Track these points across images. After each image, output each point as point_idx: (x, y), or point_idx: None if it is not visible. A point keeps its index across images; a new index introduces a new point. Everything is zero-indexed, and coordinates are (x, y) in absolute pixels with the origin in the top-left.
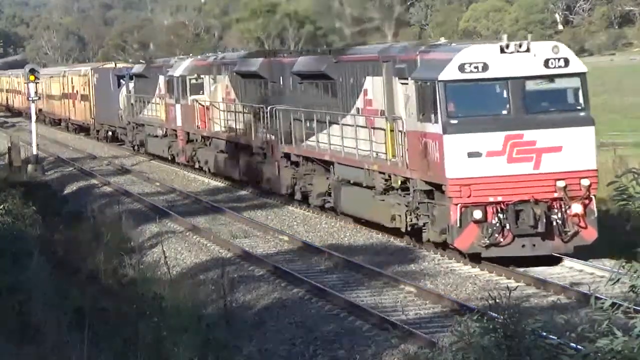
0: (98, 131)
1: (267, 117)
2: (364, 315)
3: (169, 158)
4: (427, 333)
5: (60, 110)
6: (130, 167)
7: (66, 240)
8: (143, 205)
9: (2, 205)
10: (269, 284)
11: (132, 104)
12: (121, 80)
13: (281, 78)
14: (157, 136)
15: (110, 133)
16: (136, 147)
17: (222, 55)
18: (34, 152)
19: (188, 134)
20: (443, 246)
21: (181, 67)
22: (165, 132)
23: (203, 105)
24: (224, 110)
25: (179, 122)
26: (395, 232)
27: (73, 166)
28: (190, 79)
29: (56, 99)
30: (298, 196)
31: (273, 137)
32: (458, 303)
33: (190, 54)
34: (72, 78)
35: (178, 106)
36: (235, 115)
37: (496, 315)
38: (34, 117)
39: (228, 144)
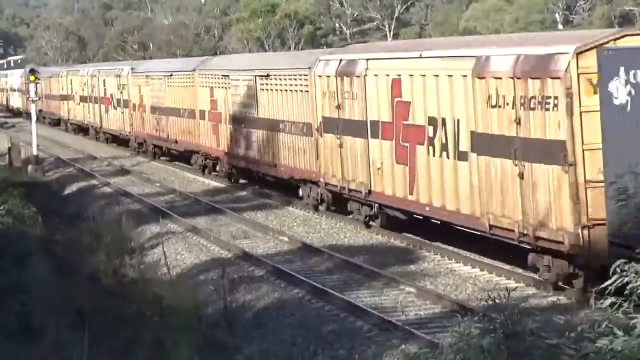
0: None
1: None
2: (364, 315)
3: None
4: (427, 333)
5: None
6: (130, 168)
7: (66, 240)
8: (143, 206)
9: (2, 206)
10: (269, 284)
11: None
12: None
13: None
14: None
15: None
16: None
17: None
18: (34, 153)
19: None
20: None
21: None
22: None
23: None
24: None
25: None
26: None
27: (73, 167)
28: None
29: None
30: None
31: None
32: (458, 303)
33: None
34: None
35: None
36: None
37: (496, 315)
38: (34, 118)
39: None
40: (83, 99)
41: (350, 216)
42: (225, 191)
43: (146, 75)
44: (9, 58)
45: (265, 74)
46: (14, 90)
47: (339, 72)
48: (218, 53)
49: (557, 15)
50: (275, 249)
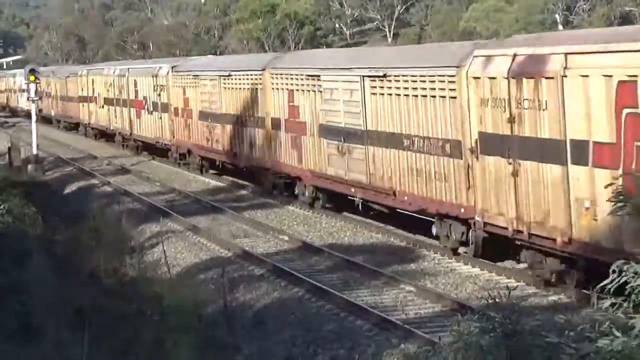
0: None
1: None
2: (363, 314)
3: None
4: (427, 332)
5: None
6: (130, 167)
7: (66, 240)
8: (143, 205)
9: (2, 205)
10: (269, 283)
11: None
12: None
13: None
14: None
15: None
16: None
17: None
18: (34, 152)
19: None
20: None
21: None
22: None
23: None
24: None
25: None
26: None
27: (73, 166)
28: None
29: None
30: None
31: None
32: (458, 302)
33: None
34: None
35: None
36: None
37: (495, 314)
38: (34, 117)
39: None
40: (108, 101)
41: (521, 266)
42: (225, 190)
43: (194, 75)
44: (2, 60)
45: (381, 74)
46: (22, 91)
47: (514, 71)
48: (218, 53)
49: (557, 15)
50: (276, 248)
